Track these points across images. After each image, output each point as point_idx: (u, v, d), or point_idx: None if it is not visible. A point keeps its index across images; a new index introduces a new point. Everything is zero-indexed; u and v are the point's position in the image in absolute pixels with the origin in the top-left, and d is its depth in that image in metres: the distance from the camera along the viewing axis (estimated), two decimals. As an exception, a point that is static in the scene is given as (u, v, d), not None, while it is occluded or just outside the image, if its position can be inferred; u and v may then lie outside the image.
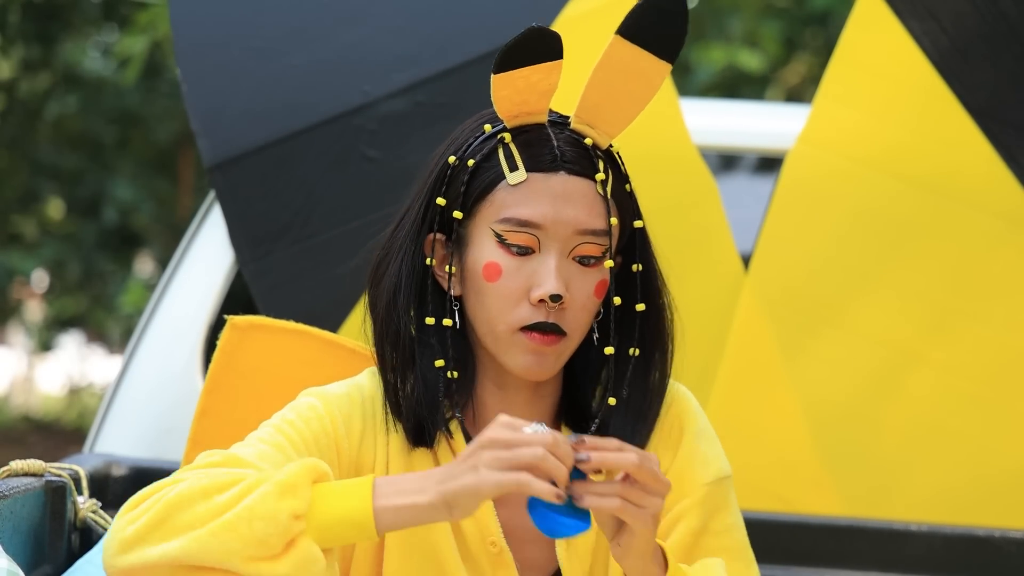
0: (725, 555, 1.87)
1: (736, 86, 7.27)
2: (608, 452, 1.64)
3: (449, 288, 1.85)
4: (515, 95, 1.81)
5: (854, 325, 2.75)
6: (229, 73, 2.83)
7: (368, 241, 1.95)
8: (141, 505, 1.71)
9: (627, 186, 1.87)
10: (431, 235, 1.85)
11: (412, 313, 1.85)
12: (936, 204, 2.74)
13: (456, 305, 1.86)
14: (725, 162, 3.68)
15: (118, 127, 9.60)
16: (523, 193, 1.80)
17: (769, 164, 3.59)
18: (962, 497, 2.71)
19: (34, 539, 2.09)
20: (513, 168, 1.81)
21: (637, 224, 1.87)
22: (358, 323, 1.95)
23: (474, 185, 1.82)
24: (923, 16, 2.71)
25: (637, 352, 1.86)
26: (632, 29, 1.79)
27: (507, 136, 1.82)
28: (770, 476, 2.73)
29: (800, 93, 8.22)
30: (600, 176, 1.82)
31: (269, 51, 2.83)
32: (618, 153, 1.87)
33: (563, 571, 1.85)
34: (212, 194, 2.93)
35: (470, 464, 1.64)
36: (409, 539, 1.85)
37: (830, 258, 2.78)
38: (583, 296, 1.81)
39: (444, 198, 1.83)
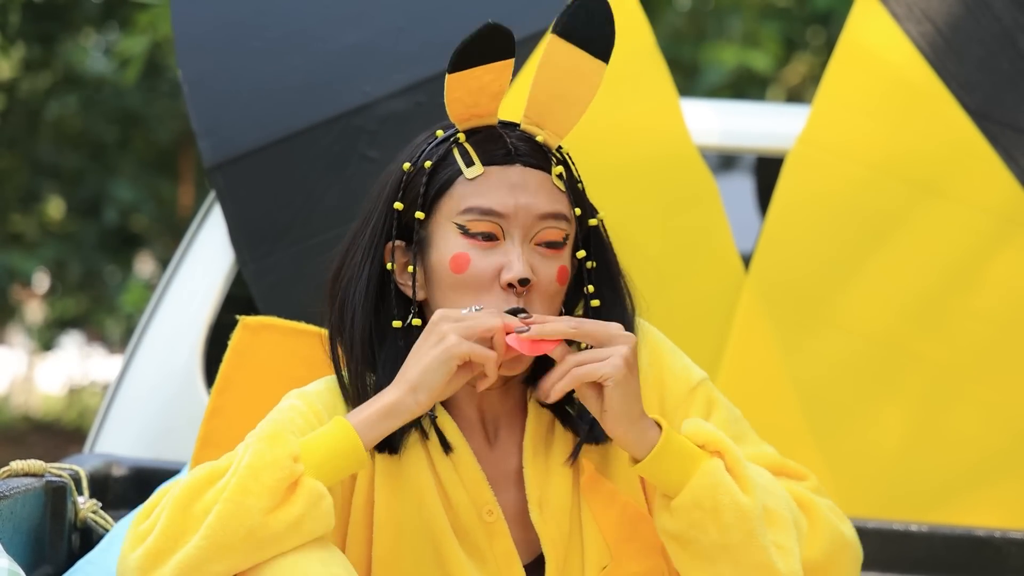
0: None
1: (742, 87, 7.26)
2: (545, 324, 1.77)
3: (414, 293, 1.88)
4: (467, 96, 1.85)
5: (854, 325, 2.75)
6: (230, 74, 2.83)
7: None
8: (151, 516, 1.73)
9: (579, 185, 1.91)
10: (389, 243, 1.89)
11: (373, 319, 1.89)
12: (936, 204, 2.74)
13: (415, 309, 1.88)
14: (725, 162, 3.68)
15: (118, 127, 9.59)
16: (482, 185, 1.84)
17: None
18: (962, 497, 2.71)
19: (35, 539, 2.09)
20: (469, 164, 1.85)
21: (592, 222, 1.91)
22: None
23: (432, 185, 1.86)
24: (919, 19, 2.72)
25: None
26: (566, 28, 1.85)
27: (461, 136, 1.87)
28: (770, 476, 2.73)
29: (800, 93, 8.22)
30: (557, 169, 1.87)
31: (270, 52, 2.84)
32: (567, 155, 1.92)
33: (537, 530, 1.88)
34: (212, 194, 2.93)
35: (432, 341, 1.75)
36: (400, 517, 1.87)
37: (830, 258, 2.78)
38: (546, 280, 1.85)
39: (401, 203, 1.87)
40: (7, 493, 1.97)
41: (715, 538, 1.79)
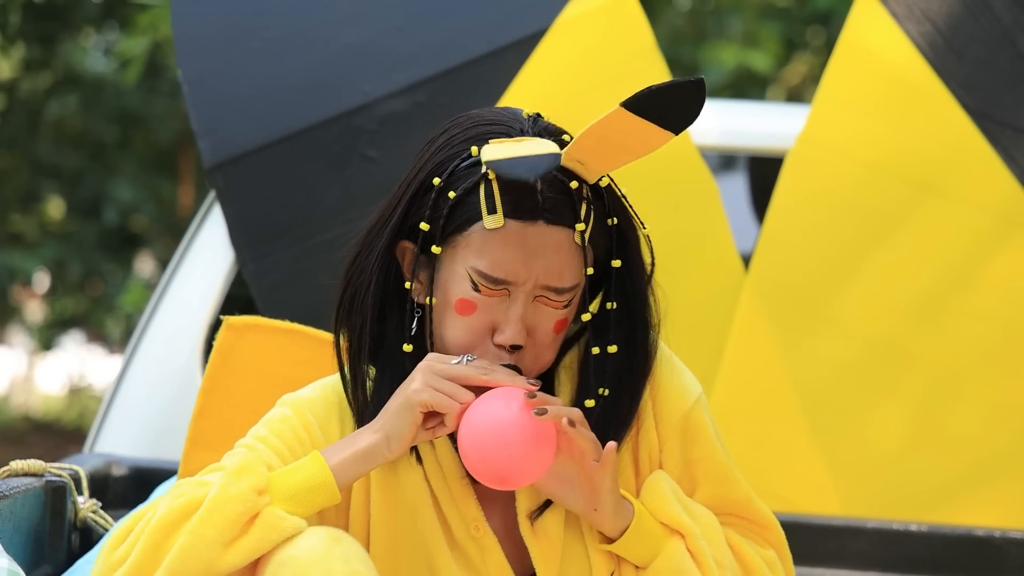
0: (706, 482, 1.91)
1: (742, 86, 7.27)
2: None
3: (429, 298, 1.85)
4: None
5: (854, 324, 2.75)
6: (230, 74, 2.83)
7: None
8: (125, 542, 1.75)
9: (610, 220, 1.85)
10: (402, 242, 1.86)
11: (375, 316, 1.87)
12: (936, 204, 2.74)
13: (419, 312, 1.87)
14: (725, 162, 3.68)
15: (118, 127, 9.59)
16: (499, 241, 1.79)
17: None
18: (962, 497, 2.71)
19: (34, 539, 2.09)
20: (492, 211, 1.79)
21: (615, 264, 1.85)
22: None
23: (452, 218, 1.81)
24: (919, 19, 2.72)
25: (606, 392, 1.86)
26: (642, 106, 1.73)
27: (491, 173, 1.79)
28: (770, 476, 2.73)
29: (800, 93, 8.23)
30: (580, 227, 1.80)
31: (270, 52, 2.84)
32: (605, 189, 1.84)
33: (527, 545, 1.87)
34: (212, 194, 2.93)
35: (404, 385, 1.78)
36: (395, 529, 1.87)
37: (830, 258, 2.78)
38: (542, 333, 1.82)
39: (426, 222, 1.81)
40: (7, 493, 1.97)
41: None
